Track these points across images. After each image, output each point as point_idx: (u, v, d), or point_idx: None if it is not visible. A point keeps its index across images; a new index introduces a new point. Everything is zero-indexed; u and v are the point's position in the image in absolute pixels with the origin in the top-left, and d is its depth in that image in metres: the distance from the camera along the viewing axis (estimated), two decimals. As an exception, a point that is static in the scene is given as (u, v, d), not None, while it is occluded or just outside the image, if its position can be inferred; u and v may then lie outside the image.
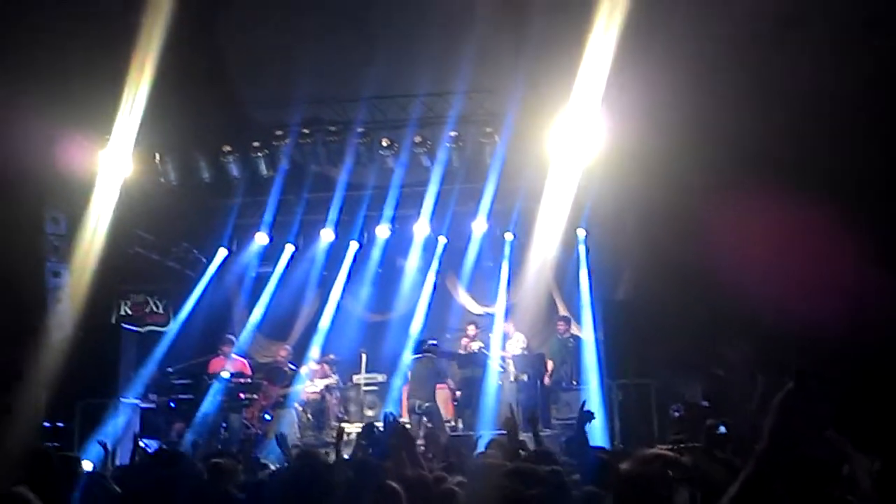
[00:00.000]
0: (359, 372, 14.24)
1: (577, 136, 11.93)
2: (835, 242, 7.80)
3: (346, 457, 6.60)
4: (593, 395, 12.94)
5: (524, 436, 8.33)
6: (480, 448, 7.59)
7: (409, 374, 13.45)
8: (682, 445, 9.34)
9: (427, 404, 12.92)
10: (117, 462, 8.44)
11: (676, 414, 12.01)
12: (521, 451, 5.86)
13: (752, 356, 10.64)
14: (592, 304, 14.14)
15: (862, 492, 3.19)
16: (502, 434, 11.81)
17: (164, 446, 10.84)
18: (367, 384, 14.21)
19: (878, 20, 7.72)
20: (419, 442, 9.25)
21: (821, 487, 3.13)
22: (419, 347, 13.42)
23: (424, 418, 12.76)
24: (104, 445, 7.84)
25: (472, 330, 14.16)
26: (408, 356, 13.81)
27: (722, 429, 7.08)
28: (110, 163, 12.46)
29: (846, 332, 7.85)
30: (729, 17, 8.16)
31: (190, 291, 15.19)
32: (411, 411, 12.99)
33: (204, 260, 15.59)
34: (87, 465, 6.96)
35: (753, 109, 8.24)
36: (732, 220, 8.49)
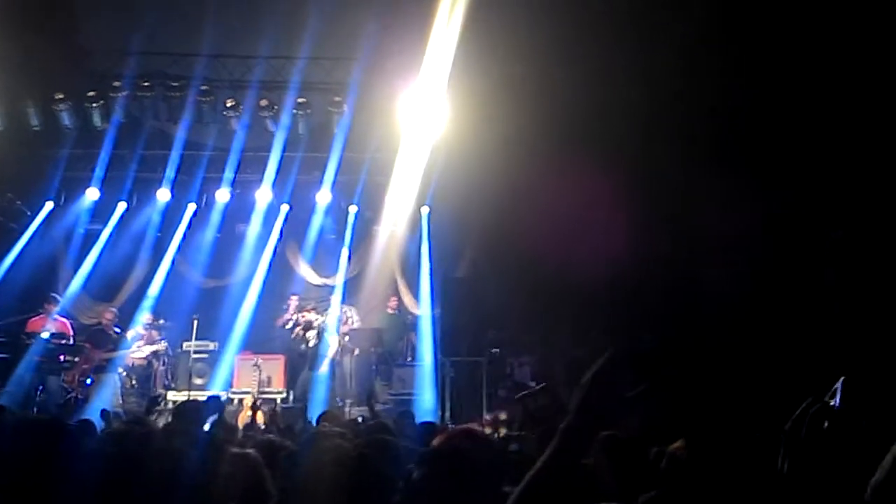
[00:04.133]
0: (190, 339, 13.79)
1: (424, 114, 11.95)
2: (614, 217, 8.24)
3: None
4: (427, 372, 13.14)
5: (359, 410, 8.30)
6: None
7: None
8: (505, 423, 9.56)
9: None
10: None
11: (502, 393, 12.31)
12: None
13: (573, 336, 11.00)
14: (431, 280, 14.24)
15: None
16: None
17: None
18: (196, 352, 13.75)
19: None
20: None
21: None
22: None
23: None
24: None
25: (294, 301, 13.98)
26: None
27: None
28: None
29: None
30: (566, 10, 8.36)
31: (11, 245, 14.25)
32: None
33: (28, 213, 14.67)
34: None
35: (577, 100, 8.50)
36: (554, 202, 8.75)
